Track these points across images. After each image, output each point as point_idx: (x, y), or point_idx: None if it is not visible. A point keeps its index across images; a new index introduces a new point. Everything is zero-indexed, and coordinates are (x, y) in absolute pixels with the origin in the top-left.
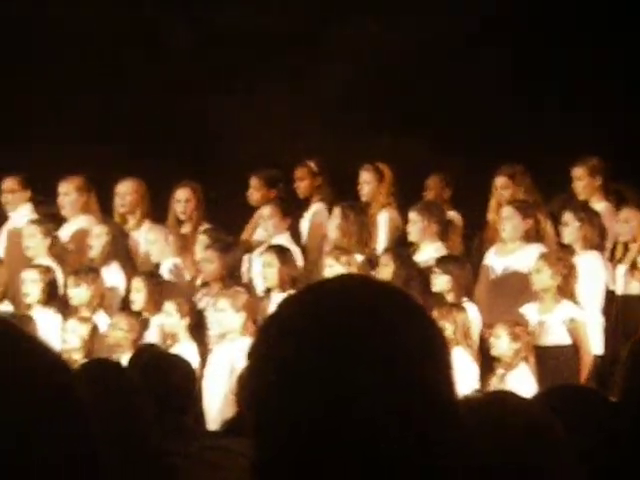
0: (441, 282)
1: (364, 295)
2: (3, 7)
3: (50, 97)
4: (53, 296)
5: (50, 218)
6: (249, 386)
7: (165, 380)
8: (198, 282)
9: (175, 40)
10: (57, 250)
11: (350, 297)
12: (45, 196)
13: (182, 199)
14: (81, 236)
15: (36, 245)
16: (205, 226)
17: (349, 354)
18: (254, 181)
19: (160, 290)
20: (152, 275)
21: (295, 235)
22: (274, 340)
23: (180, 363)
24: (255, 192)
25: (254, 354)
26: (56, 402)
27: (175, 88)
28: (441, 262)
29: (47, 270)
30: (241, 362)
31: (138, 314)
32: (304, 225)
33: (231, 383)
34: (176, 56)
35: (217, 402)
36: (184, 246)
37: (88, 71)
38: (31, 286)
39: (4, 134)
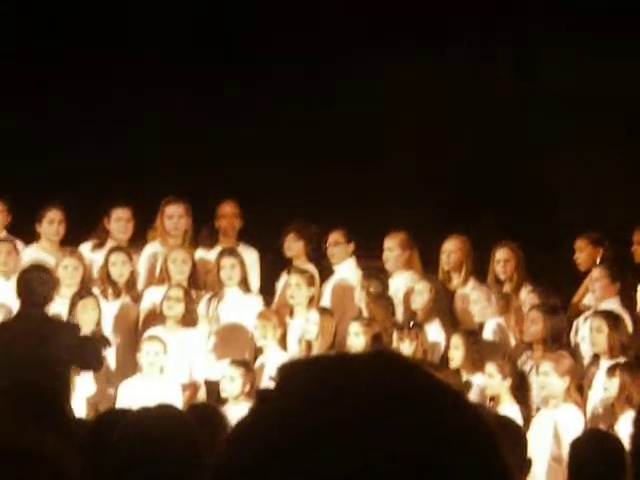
0: None
1: None
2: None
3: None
4: (377, 342)
5: (372, 273)
6: None
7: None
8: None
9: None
10: (370, 305)
11: None
12: (368, 250)
13: (502, 259)
14: (402, 289)
15: (360, 298)
16: (529, 287)
17: None
18: (579, 242)
19: (479, 349)
20: (471, 334)
21: (626, 300)
22: None
23: (510, 424)
24: (580, 253)
25: None
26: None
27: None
28: None
29: (370, 322)
30: (566, 429)
31: (456, 372)
32: None
33: (555, 450)
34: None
35: (540, 468)
36: (506, 306)
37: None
38: (356, 339)
39: (329, 190)
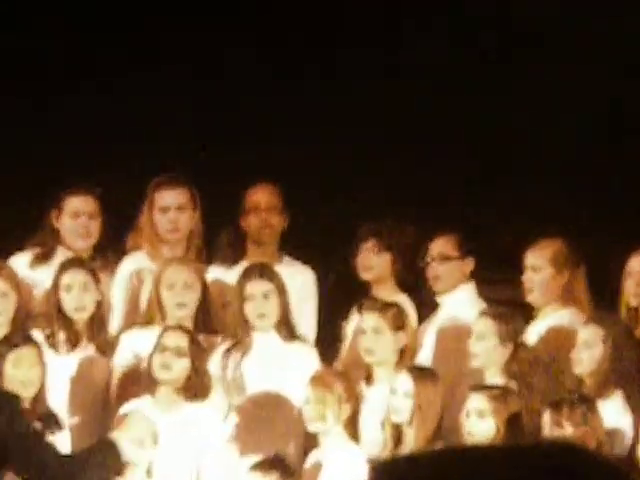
0: None
1: None
2: None
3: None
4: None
5: (511, 311)
6: None
7: None
8: None
9: None
10: (514, 366)
11: None
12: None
13: None
14: (555, 339)
15: (487, 353)
16: None
17: None
18: None
19: None
20: None
21: None
22: None
23: None
24: None
25: None
26: None
27: None
28: None
29: (506, 395)
30: None
31: None
32: None
33: None
34: None
35: None
36: None
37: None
38: (479, 422)
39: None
